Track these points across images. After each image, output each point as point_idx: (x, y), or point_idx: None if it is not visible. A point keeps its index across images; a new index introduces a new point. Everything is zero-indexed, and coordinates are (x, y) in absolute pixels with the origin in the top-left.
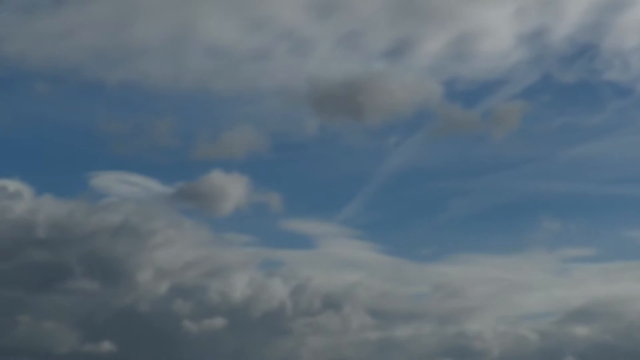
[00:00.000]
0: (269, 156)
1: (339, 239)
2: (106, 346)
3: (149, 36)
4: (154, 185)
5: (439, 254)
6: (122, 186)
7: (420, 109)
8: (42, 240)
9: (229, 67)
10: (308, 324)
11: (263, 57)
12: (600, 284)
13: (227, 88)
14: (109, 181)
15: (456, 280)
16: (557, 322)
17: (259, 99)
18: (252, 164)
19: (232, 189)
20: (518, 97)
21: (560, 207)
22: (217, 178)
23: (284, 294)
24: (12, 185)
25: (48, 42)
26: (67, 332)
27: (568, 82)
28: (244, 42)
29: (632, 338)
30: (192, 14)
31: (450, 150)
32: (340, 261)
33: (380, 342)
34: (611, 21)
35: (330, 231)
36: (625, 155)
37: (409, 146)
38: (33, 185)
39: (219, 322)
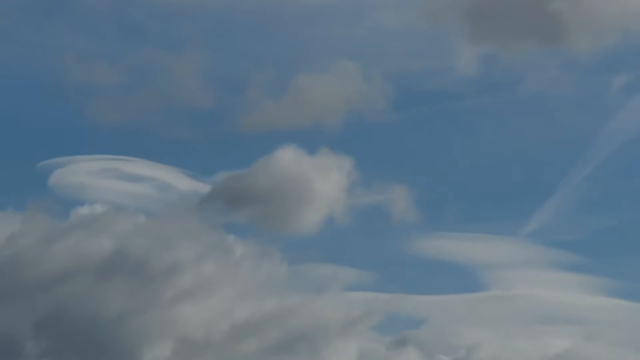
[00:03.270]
0: (387, 119)
1: (528, 269)
2: None
3: None
4: (175, 180)
5: None
6: (113, 184)
7: None
8: None
9: None
10: None
11: None
12: None
13: None
14: (89, 175)
15: None
16: None
17: (367, 13)
18: (355, 134)
19: (320, 182)
20: None
21: None
22: (289, 162)
23: None
24: None
25: None
26: None
27: None
28: None
29: None
30: None
31: None
32: (534, 312)
33: None
34: None
35: (511, 256)
36: None
37: None
38: None
39: None
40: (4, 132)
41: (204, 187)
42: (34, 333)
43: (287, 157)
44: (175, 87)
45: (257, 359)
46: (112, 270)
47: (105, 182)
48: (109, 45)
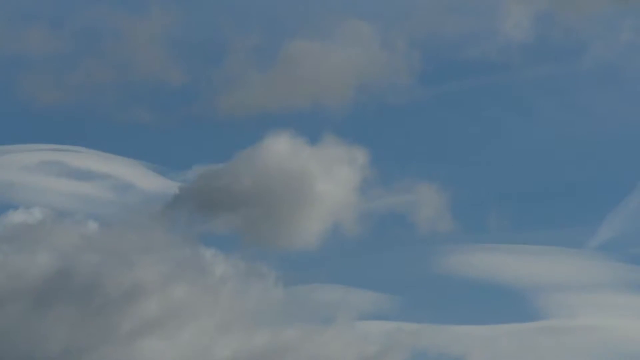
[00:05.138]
0: (412, 98)
1: (597, 292)
2: None
3: None
4: (136, 177)
5: None
6: (55, 182)
7: None
8: None
9: None
10: None
11: None
12: None
13: None
14: (23, 171)
15: None
16: None
17: None
18: (370, 117)
19: (324, 180)
20: None
21: None
22: (283, 154)
23: None
24: None
25: None
26: None
27: None
28: None
29: None
30: None
31: None
32: (607, 347)
33: None
34: None
35: (575, 275)
36: None
37: None
38: None
39: None
40: None
41: (172, 186)
42: None
43: (280, 148)
44: (134, 58)
45: None
46: (54, 294)
47: (44, 179)
48: (48, 4)
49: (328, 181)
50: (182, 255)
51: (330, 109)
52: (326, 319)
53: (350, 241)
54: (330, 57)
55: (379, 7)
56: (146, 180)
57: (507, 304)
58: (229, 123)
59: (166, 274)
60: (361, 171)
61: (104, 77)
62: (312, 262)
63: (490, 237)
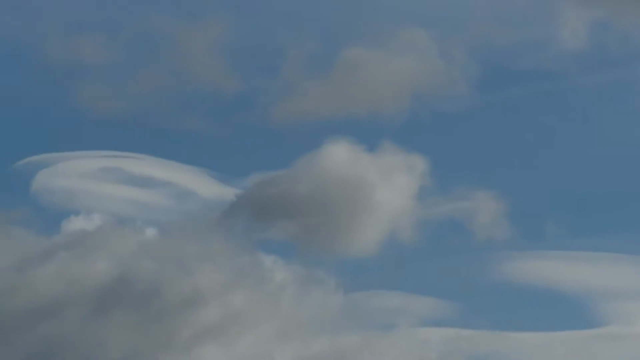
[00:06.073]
0: (469, 105)
1: None
2: None
3: None
4: (196, 184)
5: None
6: (114, 189)
7: None
8: None
9: None
10: None
11: None
12: None
13: None
14: (83, 178)
15: None
16: None
17: None
18: (428, 125)
19: (382, 187)
20: None
21: None
22: (341, 161)
23: None
24: None
25: None
26: None
27: None
28: None
29: None
30: None
31: None
32: None
33: None
34: None
35: (636, 281)
36: None
37: None
38: None
39: None
40: None
41: (231, 193)
42: None
43: (338, 155)
44: (191, 66)
45: None
46: (114, 301)
47: (104, 186)
48: (104, 12)
49: (386, 188)
50: (241, 262)
51: (388, 116)
52: (386, 326)
53: (408, 248)
54: (387, 65)
55: (437, 16)
56: (205, 187)
57: (564, 311)
58: (286, 130)
59: (225, 280)
60: (419, 178)
61: (161, 85)
62: (371, 268)
63: (548, 243)
